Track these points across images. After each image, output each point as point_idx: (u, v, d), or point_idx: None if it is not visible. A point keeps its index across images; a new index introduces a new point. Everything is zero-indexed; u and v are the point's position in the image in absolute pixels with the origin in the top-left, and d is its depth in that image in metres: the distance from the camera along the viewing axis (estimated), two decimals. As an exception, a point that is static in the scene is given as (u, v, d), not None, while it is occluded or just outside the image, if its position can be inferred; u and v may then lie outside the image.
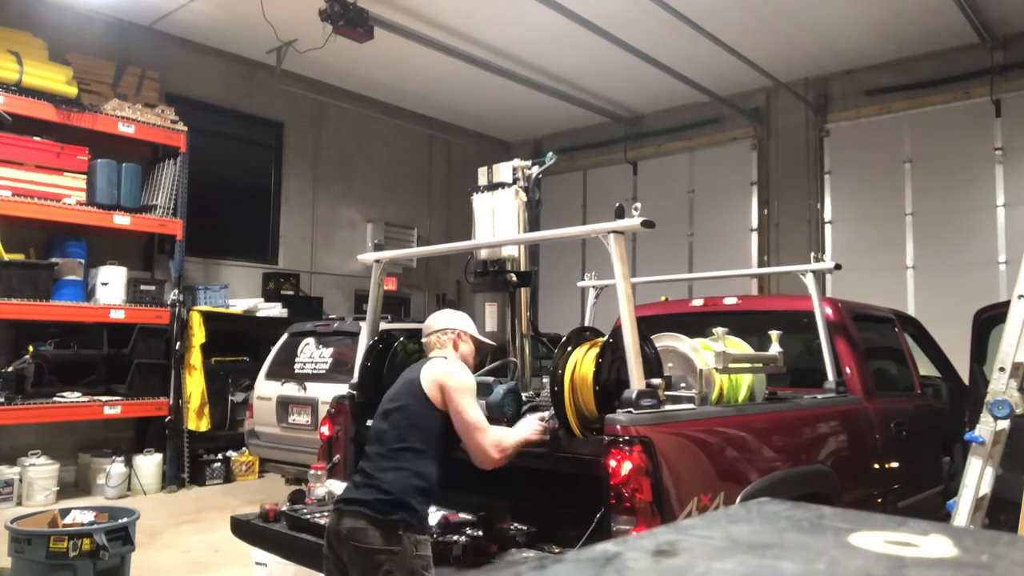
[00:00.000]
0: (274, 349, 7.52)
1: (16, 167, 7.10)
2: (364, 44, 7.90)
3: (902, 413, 4.61)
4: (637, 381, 2.87)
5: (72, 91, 7.46)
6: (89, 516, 4.30)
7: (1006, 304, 3.56)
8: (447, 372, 2.93)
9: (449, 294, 12.44)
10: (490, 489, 3.37)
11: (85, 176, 7.55)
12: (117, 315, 7.68)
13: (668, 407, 3.05)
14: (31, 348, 7.37)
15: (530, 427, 3.05)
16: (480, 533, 3.02)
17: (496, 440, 2.88)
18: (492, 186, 3.90)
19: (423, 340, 3.25)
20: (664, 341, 3.53)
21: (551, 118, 12.02)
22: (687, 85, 10.10)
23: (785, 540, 0.73)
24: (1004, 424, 3.37)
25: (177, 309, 8.11)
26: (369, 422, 3.71)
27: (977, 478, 3.41)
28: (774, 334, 3.72)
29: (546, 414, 3.14)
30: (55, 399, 7.31)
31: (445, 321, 3.24)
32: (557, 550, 3.03)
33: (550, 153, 3.96)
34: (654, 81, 10.11)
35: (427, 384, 2.91)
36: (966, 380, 5.78)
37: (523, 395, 3.58)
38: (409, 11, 8.26)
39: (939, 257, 9.35)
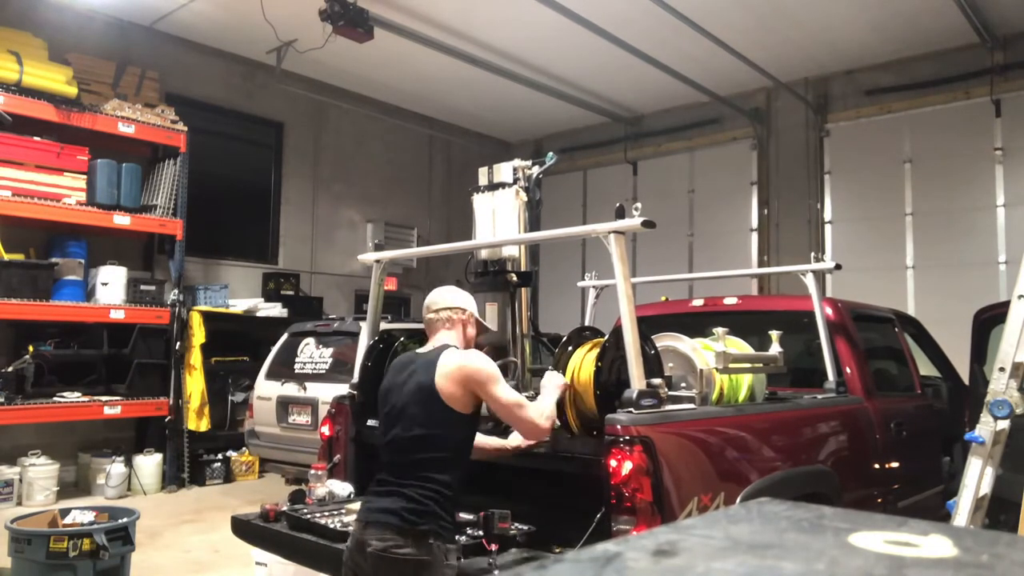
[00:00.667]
0: (274, 349, 7.52)
1: (16, 167, 7.10)
2: (364, 44, 7.90)
3: (902, 413, 4.61)
4: (638, 381, 2.88)
5: (72, 91, 7.46)
6: (89, 516, 4.30)
7: (1006, 304, 3.56)
8: (469, 367, 2.75)
9: (449, 294, 12.42)
10: (490, 489, 3.37)
11: (85, 176, 7.55)
12: (117, 315, 7.68)
13: (668, 407, 3.05)
14: (31, 348, 7.37)
15: (554, 385, 3.03)
16: (480, 533, 3.02)
17: (540, 411, 2.84)
18: (492, 186, 3.90)
19: (427, 317, 3.03)
20: (664, 341, 3.53)
21: (551, 118, 12.02)
22: (687, 85, 10.10)
23: (785, 540, 0.73)
24: (1004, 424, 3.38)
25: (177, 309, 8.12)
26: (371, 422, 3.72)
27: (977, 478, 3.41)
28: (774, 334, 3.72)
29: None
30: (55, 399, 7.31)
31: (453, 299, 3.04)
32: (557, 550, 3.03)
33: (550, 153, 3.96)
34: (654, 81, 10.11)
35: (444, 384, 2.72)
36: (966, 380, 5.78)
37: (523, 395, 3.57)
38: (409, 11, 8.26)
39: (939, 257, 9.35)
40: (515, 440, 3.15)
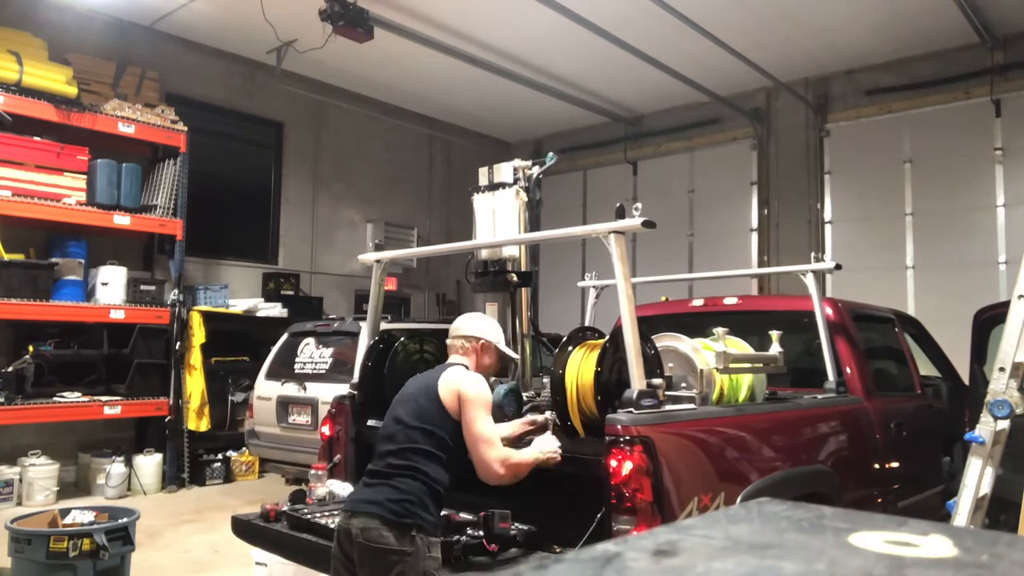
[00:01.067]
0: (274, 349, 7.51)
1: (16, 167, 7.10)
2: (364, 44, 7.90)
3: (902, 413, 4.61)
4: (638, 381, 2.88)
5: (72, 91, 7.46)
6: (89, 516, 4.30)
7: (1006, 304, 3.56)
8: (464, 382, 2.92)
9: (449, 294, 12.45)
10: (490, 489, 3.37)
11: (85, 176, 7.55)
12: (117, 315, 7.67)
13: (669, 407, 3.05)
14: (31, 348, 7.37)
15: (546, 448, 2.96)
16: (480, 533, 3.02)
17: (503, 456, 2.82)
18: (493, 186, 3.90)
19: (447, 341, 3.23)
20: (664, 341, 3.53)
21: (551, 118, 12.02)
22: (687, 85, 10.10)
23: (785, 540, 0.73)
24: (1004, 424, 3.37)
25: (177, 309, 8.11)
26: (371, 422, 3.72)
27: (977, 478, 3.41)
28: (774, 334, 3.72)
29: (547, 417, 3.14)
30: (55, 399, 7.31)
31: (473, 328, 3.17)
32: (557, 550, 3.03)
33: (551, 153, 3.96)
34: (654, 81, 10.11)
35: (444, 392, 2.90)
36: (966, 380, 5.78)
37: (523, 395, 3.58)
38: (409, 11, 8.26)
39: (939, 257, 9.34)
40: (535, 453, 2.96)
